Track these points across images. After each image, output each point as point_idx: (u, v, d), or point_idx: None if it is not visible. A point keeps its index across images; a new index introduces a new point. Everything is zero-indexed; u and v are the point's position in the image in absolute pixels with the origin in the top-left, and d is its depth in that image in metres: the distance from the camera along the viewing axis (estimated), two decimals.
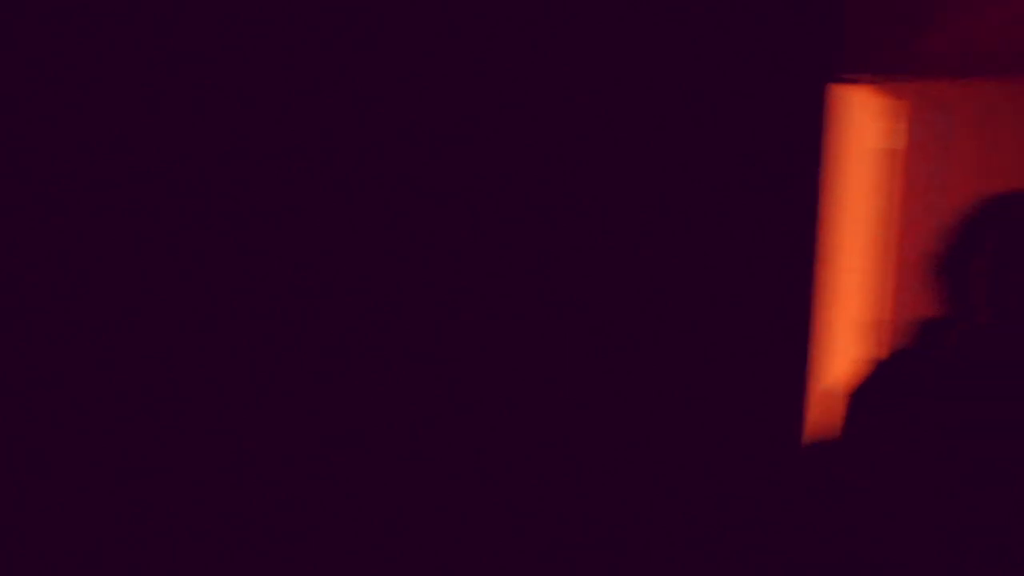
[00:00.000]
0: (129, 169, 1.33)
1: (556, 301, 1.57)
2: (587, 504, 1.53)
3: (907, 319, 3.25)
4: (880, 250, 3.56)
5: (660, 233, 1.79)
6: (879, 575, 1.34)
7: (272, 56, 1.36)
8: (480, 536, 1.47)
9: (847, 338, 3.68)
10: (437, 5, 1.45)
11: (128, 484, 1.37)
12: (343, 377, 1.43)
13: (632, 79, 1.70)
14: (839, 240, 3.64)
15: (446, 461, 1.46)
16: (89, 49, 1.32)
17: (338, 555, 1.44)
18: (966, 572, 1.27)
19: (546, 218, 1.57)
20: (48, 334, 1.32)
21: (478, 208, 1.51)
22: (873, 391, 1.47)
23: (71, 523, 1.33)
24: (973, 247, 1.43)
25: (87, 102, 1.32)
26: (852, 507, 1.41)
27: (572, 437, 1.53)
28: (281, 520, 1.41)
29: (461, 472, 1.48)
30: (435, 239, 1.47)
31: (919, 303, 3.41)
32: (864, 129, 3.57)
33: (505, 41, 1.51)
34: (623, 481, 1.57)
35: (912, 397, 1.39)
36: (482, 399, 1.49)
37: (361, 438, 1.43)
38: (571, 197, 1.63)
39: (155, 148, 1.34)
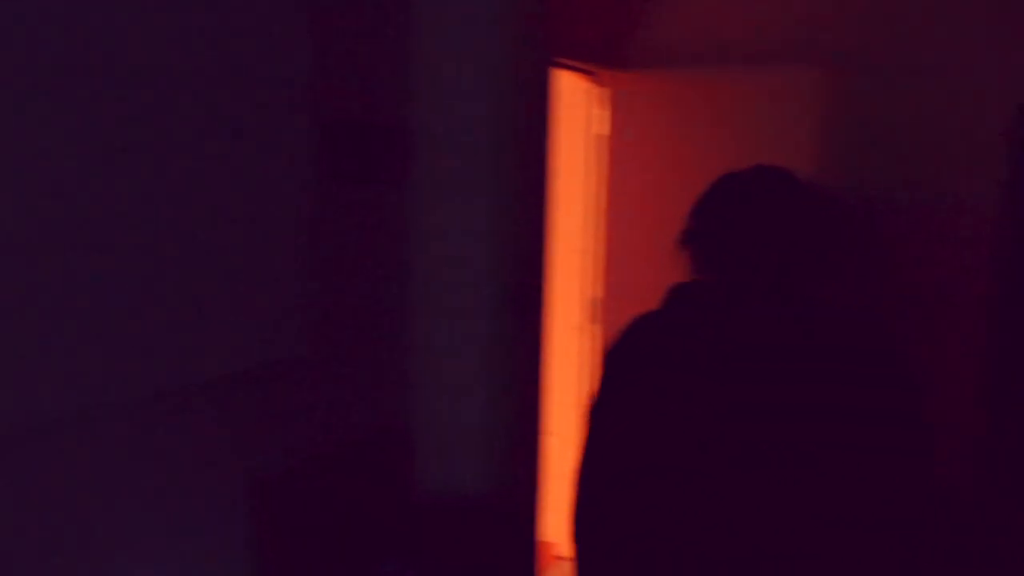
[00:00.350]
0: None
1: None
2: None
3: (621, 294, 3.58)
4: (596, 230, 3.62)
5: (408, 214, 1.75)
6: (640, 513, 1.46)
7: None
8: None
9: (573, 313, 3.74)
10: None
11: None
12: None
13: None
14: (562, 220, 3.70)
15: None
16: None
17: None
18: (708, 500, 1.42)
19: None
20: None
21: None
22: (626, 349, 1.57)
23: None
24: (711, 220, 1.59)
25: None
26: (615, 453, 1.52)
27: None
28: None
29: None
30: None
31: (632, 280, 3.59)
32: (580, 115, 3.61)
33: None
34: None
35: (659, 352, 1.50)
36: None
37: None
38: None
39: None
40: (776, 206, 1.53)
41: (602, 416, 1.55)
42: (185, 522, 1.46)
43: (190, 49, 1.38)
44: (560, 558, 3.91)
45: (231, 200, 1.49)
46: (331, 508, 1.71)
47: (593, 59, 3.47)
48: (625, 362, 1.55)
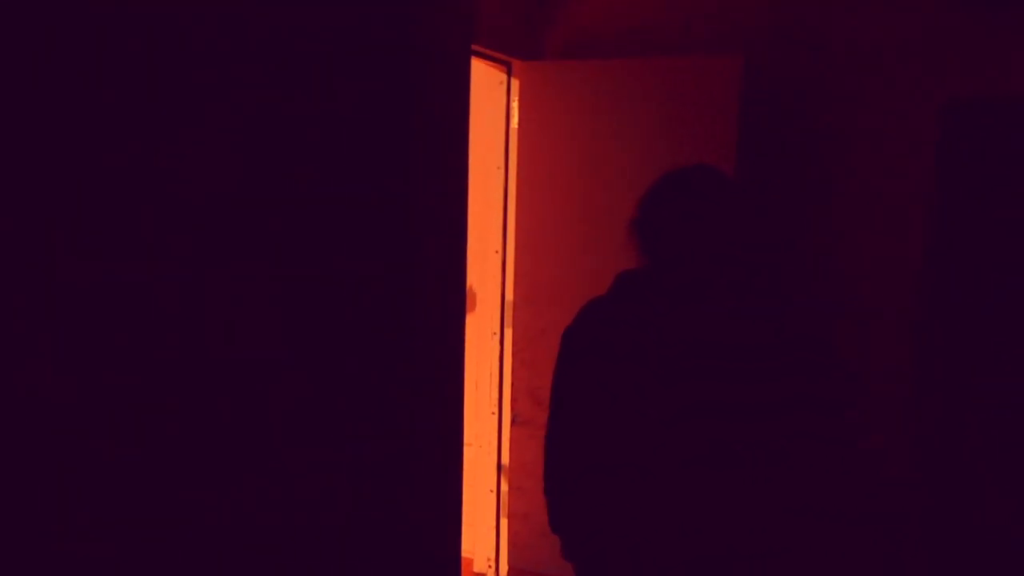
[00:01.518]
0: None
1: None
2: None
3: (533, 297, 3.47)
4: (511, 225, 3.50)
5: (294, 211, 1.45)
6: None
7: None
8: None
9: (492, 318, 3.62)
10: None
11: None
12: None
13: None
14: (480, 220, 3.52)
15: None
16: None
17: None
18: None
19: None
20: None
21: None
22: (581, 333, 1.76)
23: None
24: (655, 213, 1.77)
25: None
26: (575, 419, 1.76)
27: None
28: None
29: None
30: None
31: (542, 280, 3.44)
32: (496, 108, 3.50)
33: None
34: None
35: (608, 328, 1.70)
36: None
37: None
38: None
39: None
40: (718, 200, 1.72)
41: (572, 376, 1.74)
42: None
43: None
44: (481, 575, 3.77)
45: None
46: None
47: (507, 49, 3.36)
48: (580, 345, 1.74)
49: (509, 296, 3.57)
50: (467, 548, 3.77)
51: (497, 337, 3.61)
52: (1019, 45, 2.83)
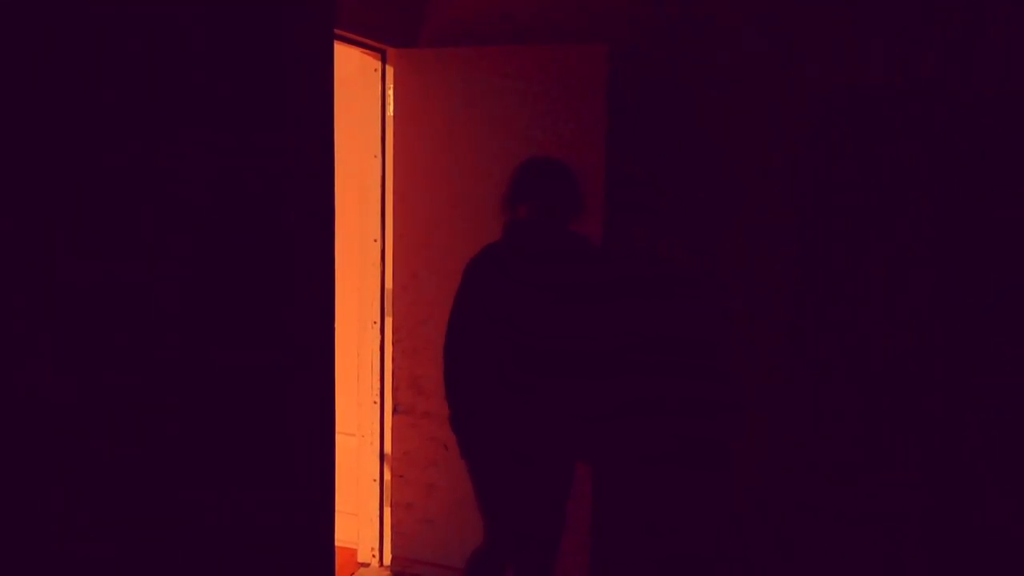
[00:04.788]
0: None
1: None
2: None
3: (412, 285, 3.47)
4: (390, 213, 3.49)
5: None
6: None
7: None
8: None
9: (371, 307, 3.59)
10: None
11: None
12: None
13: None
14: (356, 209, 3.54)
15: None
16: None
17: None
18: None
19: None
20: None
21: None
22: (478, 260, 2.75)
23: None
24: (519, 189, 2.76)
25: None
26: (470, 313, 2.73)
27: None
28: None
29: None
30: None
31: (422, 268, 3.51)
32: (372, 96, 3.48)
33: None
34: None
35: (495, 262, 2.73)
36: None
37: None
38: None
39: None
40: (563, 177, 2.76)
41: (462, 297, 2.74)
42: None
43: None
44: (365, 564, 3.75)
45: None
46: None
47: (381, 37, 3.34)
48: (476, 268, 2.74)
49: (389, 285, 3.55)
50: (351, 538, 3.75)
51: (377, 326, 3.60)
52: (879, 33, 2.96)
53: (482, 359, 2.70)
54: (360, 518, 3.73)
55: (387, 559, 3.70)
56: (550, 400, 2.69)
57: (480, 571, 2.87)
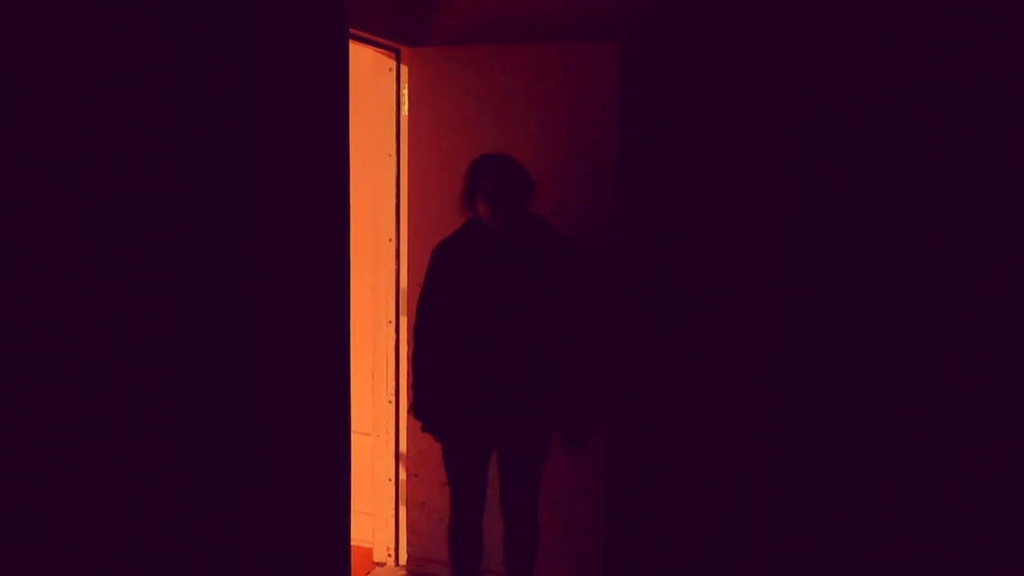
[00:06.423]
0: None
1: None
2: None
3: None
4: (405, 213, 3.47)
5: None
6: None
7: None
8: None
9: (387, 307, 3.57)
10: None
11: None
12: None
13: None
14: (370, 209, 3.52)
15: None
16: None
17: None
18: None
19: None
20: None
21: None
22: (443, 248, 3.00)
23: None
24: (475, 183, 2.90)
25: None
26: (437, 294, 2.97)
27: None
28: None
29: None
30: None
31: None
32: (386, 95, 3.46)
33: None
34: None
35: (454, 249, 2.98)
36: None
37: None
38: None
39: None
40: (515, 173, 2.89)
41: (431, 280, 2.99)
42: None
43: None
44: (380, 564, 3.75)
45: None
46: None
47: (395, 36, 3.33)
48: (441, 255, 2.99)
49: (404, 284, 3.55)
50: (366, 538, 3.75)
51: (392, 325, 3.59)
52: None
53: (439, 341, 2.95)
54: (375, 517, 3.73)
55: (402, 558, 3.70)
56: (500, 381, 2.90)
57: (458, 539, 3.13)
